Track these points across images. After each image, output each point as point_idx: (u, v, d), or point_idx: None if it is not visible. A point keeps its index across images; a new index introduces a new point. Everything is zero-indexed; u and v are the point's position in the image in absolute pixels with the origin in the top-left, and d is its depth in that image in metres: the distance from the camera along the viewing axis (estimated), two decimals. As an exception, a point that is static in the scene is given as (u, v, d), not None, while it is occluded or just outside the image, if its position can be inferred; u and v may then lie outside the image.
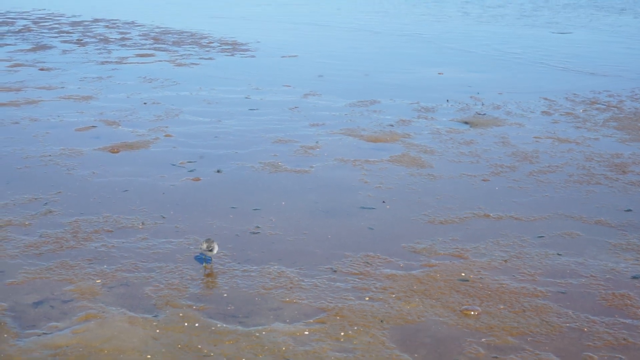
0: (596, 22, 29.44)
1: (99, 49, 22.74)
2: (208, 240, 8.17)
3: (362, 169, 11.70)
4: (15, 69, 19.98)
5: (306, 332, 6.66)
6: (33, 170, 11.78)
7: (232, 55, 22.14)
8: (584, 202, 10.26)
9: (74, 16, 28.52)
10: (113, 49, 22.62)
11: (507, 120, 15.00)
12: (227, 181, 11.27)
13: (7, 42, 23.50)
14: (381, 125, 14.65)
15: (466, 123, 14.88)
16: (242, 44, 23.60)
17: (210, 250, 8.11)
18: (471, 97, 17.18)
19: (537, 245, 8.77)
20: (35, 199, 10.40)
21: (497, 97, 17.14)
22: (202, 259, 8.45)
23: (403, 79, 19.70)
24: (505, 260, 8.33)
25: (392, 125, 14.64)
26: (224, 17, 29.85)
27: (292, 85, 18.46)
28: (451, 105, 16.37)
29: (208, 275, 8.09)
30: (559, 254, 8.51)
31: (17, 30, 25.52)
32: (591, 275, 7.92)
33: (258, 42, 24.07)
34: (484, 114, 15.50)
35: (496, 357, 6.30)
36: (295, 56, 22.17)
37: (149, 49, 22.74)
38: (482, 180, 11.16)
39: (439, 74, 20.11)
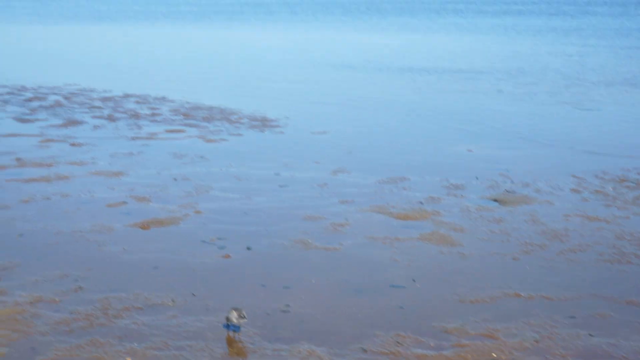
0: (629, 99, 29.47)
1: (130, 124, 22.99)
2: (237, 309, 8.29)
3: (391, 247, 11.79)
4: (46, 144, 20.23)
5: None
6: (63, 246, 11.95)
7: (262, 131, 22.34)
8: (615, 281, 10.28)
9: (105, 91, 28.92)
10: (143, 125, 22.87)
11: (536, 198, 15.06)
12: (257, 258, 11.39)
13: (39, 117, 23.83)
14: (410, 202, 14.75)
15: (495, 201, 14.95)
16: (271, 120, 23.81)
17: (243, 318, 8.23)
18: (500, 174, 17.23)
19: (569, 326, 8.79)
20: (66, 275, 10.54)
21: (526, 175, 17.18)
22: (231, 326, 8.53)
23: (432, 155, 19.77)
24: (537, 341, 8.35)
25: (421, 203, 14.73)
26: (253, 93, 30.06)
27: (321, 161, 18.54)
28: (480, 183, 16.43)
29: (238, 353, 8.15)
30: (591, 335, 8.52)
31: (48, 105, 25.90)
32: (623, 357, 7.92)
33: (287, 117, 24.25)
34: (514, 192, 15.57)
35: None
36: (324, 132, 22.30)
37: (179, 124, 22.98)
38: (513, 259, 11.21)
39: (469, 150, 20.16)
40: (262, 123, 23.49)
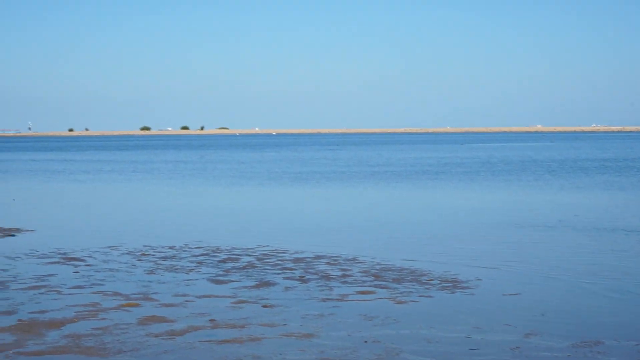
0: None
1: (320, 285, 23.56)
2: None
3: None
4: (239, 305, 21.02)
5: None
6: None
7: (452, 292, 22.56)
8: None
9: (296, 252, 29.70)
10: (334, 286, 23.40)
11: None
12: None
13: (232, 279, 24.68)
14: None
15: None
16: (461, 281, 23.99)
17: None
18: None
19: None
20: None
21: None
22: None
23: (629, 321, 19.45)
24: None
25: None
26: (444, 253, 30.26)
27: (513, 324, 18.62)
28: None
29: None
30: None
31: (241, 266, 26.82)
32: None
33: (478, 279, 24.36)
34: None
35: None
36: (516, 294, 22.30)
37: (370, 285, 23.43)
38: None
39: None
40: (453, 284, 23.68)
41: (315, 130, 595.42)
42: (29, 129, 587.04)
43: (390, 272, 25.73)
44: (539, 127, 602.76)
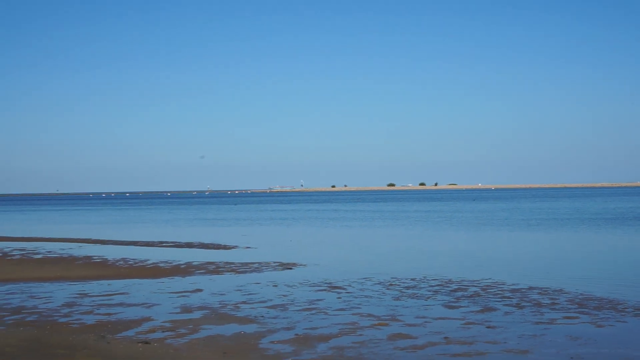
0: None
1: (533, 311, 23.41)
2: None
3: None
4: (467, 326, 21.11)
5: None
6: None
7: (645, 319, 21.68)
8: None
9: (513, 284, 29.43)
10: (545, 312, 23.18)
11: None
12: None
13: (462, 305, 24.75)
14: None
15: None
16: (654, 310, 23.01)
17: None
18: None
19: None
20: None
21: None
22: None
23: None
24: None
25: None
26: None
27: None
28: None
29: None
30: None
31: (469, 295, 26.87)
32: None
33: (668, 308, 23.26)
34: None
35: None
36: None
37: (574, 312, 23.06)
38: None
39: None
40: (645, 312, 22.79)
41: (526, 185, 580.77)
42: (301, 185, 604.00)
43: (593, 301, 25.11)
44: None
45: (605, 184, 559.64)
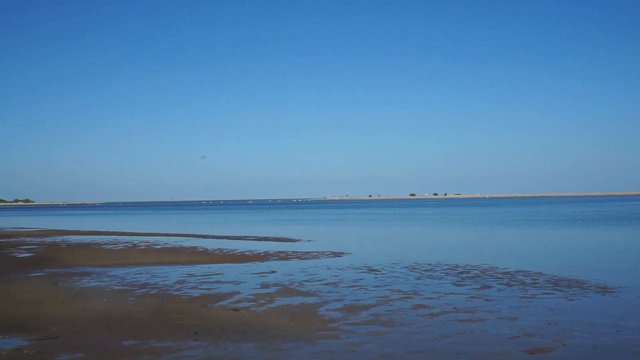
0: None
1: (520, 288, 23.05)
2: None
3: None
4: (470, 299, 20.70)
5: None
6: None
7: (603, 294, 21.21)
8: None
9: (504, 268, 28.89)
10: (528, 289, 22.69)
11: None
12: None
13: (466, 284, 24.29)
14: None
15: None
16: (610, 287, 22.47)
17: None
18: None
19: None
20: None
21: None
22: None
23: None
24: None
25: None
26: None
27: (645, 315, 17.22)
28: None
29: None
30: None
31: (472, 276, 26.40)
32: None
33: (627, 287, 22.71)
34: None
35: None
36: (648, 297, 20.55)
37: (550, 289, 22.42)
38: None
39: None
40: (604, 289, 22.28)
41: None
42: (347, 195, 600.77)
43: (564, 281, 24.70)
44: None
45: (593, 194, 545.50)
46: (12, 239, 54.80)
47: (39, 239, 54.42)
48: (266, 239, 53.31)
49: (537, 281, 24.79)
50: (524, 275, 26.71)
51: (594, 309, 18.73)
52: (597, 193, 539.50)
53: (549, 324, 16.70)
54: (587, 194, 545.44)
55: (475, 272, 28.06)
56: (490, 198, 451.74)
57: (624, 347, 14.00)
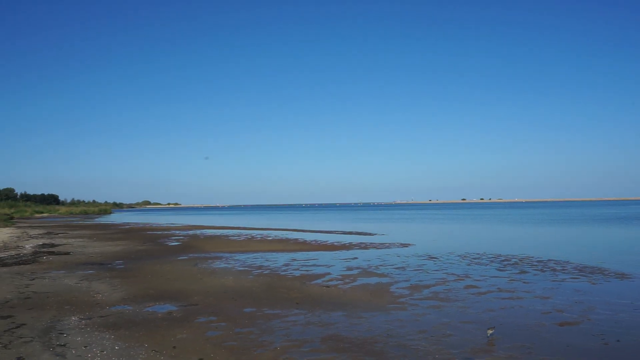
0: None
1: (552, 273, 21.93)
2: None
3: None
4: (510, 282, 19.97)
5: None
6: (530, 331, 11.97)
7: (621, 280, 19.88)
8: None
9: (539, 257, 27.58)
10: (558, 274, 21.55)
11: None
12: None
13: (507, 269, 23.49)
14: None
15: None
16: (628, 274, 21.02)
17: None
18: None
19: None
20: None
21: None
22: None
23: None
24: None
25: None
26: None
27: (659, 297, 16.05)
28: None
29: None
30: None
31: (512, 263, 25.37)
32: None
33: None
34: None
35: None
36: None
37: (577, 275, 21.25)
38: None
39: None
40: (622, 275, 20.86)
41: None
42: (412, 199, 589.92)
43: (588, 268, 23.39)
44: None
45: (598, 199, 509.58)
46: (165, 232, 57.55)
47: (184, 232, 56.84)
48: (350, 233, 53.35)
49: (565, 268, 23.61)
50: (554, 263, 25.47)
51: (614, 292, 17.68)
52: (630, 198, 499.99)
53: (576, 302, 15.92)
54: (619, 198, 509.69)
55: (515, 260, 26.99)
56: (527, 202, 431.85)
57: None
